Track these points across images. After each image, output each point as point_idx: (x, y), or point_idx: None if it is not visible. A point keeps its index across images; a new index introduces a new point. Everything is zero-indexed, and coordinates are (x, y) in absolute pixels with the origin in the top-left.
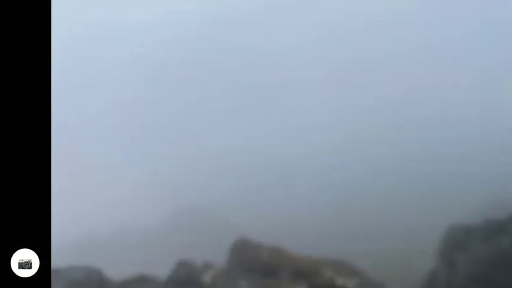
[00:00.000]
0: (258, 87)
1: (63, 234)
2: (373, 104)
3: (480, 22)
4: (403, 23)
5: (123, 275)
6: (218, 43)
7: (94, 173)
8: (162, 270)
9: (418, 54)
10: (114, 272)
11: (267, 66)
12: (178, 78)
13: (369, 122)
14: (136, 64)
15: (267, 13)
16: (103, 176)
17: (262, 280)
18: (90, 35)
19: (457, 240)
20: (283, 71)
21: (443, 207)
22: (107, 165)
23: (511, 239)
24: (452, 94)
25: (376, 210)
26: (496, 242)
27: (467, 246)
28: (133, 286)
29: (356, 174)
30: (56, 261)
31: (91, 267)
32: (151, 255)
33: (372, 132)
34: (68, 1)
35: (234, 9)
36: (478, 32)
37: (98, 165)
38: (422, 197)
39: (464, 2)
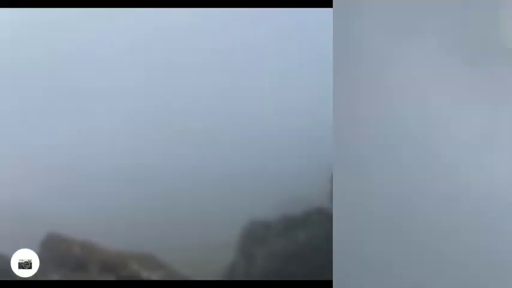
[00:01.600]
0: (66, 90)
1: None
2: (175, 107)
3: (276, 27)
4: (198, 31)
5: None
6: (30, 47)
7: None
8: None
9: (218, 59)
10: None
11: (81, 70)
12: None
13: (176, 125)
14: None
15: (78, 17)
16: None
17: (73, 274)
18: None
19: (256, 235)
20: (95, 76)
21: (244, 204)
22: None
23: (306, 234)
24: (252, 95)
25: (181, 208)
26: (292, 237)
27: (266, 240)
28: None
29: (158, 173)
30: None
31: None
32: None
33: (176, 134)
34: None
35: (44, 14)
36: (274, 37)
37: None
38: (224, 195)
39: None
